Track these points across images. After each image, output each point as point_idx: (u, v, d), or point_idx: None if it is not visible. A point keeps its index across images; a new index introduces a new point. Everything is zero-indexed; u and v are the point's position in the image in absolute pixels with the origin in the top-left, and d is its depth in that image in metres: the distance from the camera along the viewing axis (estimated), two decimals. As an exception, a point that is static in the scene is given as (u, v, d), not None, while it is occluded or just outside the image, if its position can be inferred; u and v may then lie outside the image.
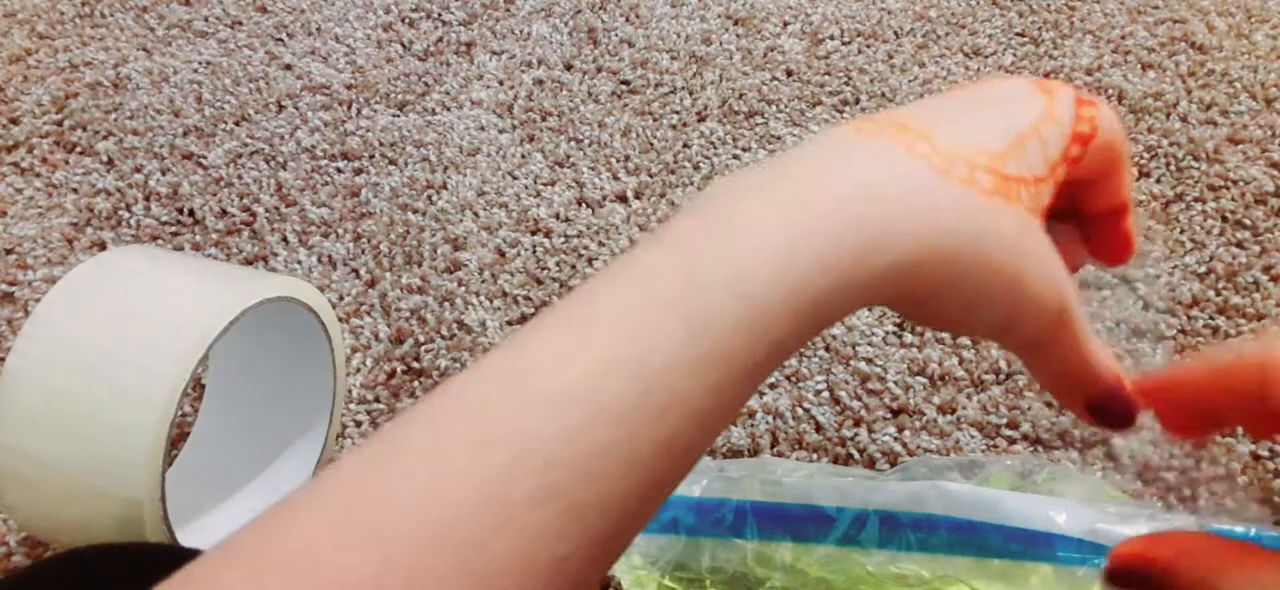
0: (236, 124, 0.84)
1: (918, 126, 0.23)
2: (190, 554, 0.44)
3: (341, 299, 0.71)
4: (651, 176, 0.79)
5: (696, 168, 0.79)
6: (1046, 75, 0.85)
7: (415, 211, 0.77)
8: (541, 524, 0.17)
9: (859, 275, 0.21)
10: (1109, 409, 0.27)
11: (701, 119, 0.83)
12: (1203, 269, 0.70)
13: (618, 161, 0.80)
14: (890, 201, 0.21)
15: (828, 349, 0.66)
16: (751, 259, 0.20)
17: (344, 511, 0.18)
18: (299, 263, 0.74)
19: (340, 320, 0.69)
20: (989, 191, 0.22)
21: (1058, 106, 0.25)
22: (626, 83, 0.87)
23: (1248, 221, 0.73)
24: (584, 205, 0.77)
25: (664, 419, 0.19)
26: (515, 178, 0.79)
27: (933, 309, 0.23)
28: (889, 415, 0.63)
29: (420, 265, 0.73)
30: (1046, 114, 0.25)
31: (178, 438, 0.62)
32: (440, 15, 0.95)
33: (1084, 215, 0.29)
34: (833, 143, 0.23)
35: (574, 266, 0.72)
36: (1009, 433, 0.62)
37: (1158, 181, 0.76)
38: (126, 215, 0.77)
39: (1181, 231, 0.73)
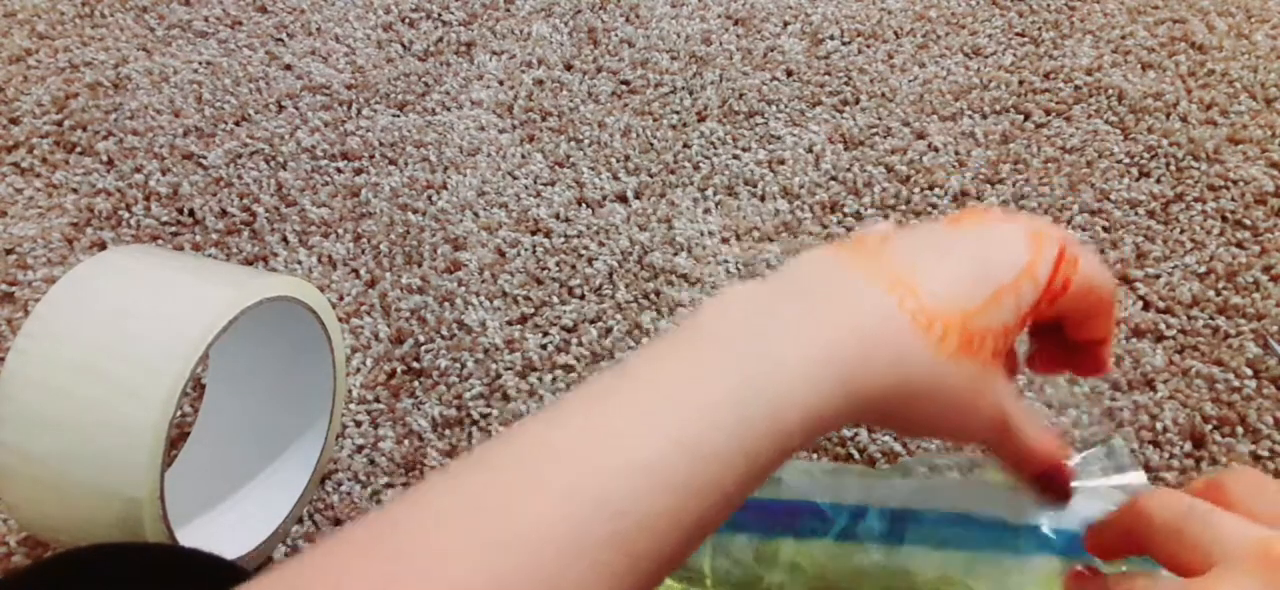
0: (236, 124, 0.84)
1: (907, 276, 0.27)
2: (190, 553, 0.44)
3: (341, 299, 0.71)
4: (651, 176, 0.79)
5: (696, 168, 0.79)
6: (1047, 75, 0.85)
7: (415, 211, 0.77)
8: (608, 562, 0.22)
9: (847, 405, 0.25)
10: (1048, 486, 0.33)
11: (701, 119, 0.83)
12: (1203, 269, 0.70)
13: (618, 161, 0.80)
14: (880, 353, 0.26)
15: (828, 349, 0.66)
16: (784, 392, 0.25)
17: (450, 533, 0.21)
18: (299, 263, 0.74)
19: (340, 320, 0.69)
20: (954, 352, 0.27)
21: (1040, 265, 0.28)
22: (626, 83, 0.87)
23: (1248, 221, 0.73)
24: (584, 205, 0.77)
25: (704, 495, 0.23)
26: (515, 178, 0.79)
27: (896, 425, 0.28)
28: (889, 415, 0.63)
29: (420, 265, 0.73)
30: (1027, 270, 0.28)
31: (177, 437, 0.62)
32: (440, 15, 0.95)
33: (1067, 337, 0.33)
34: (841, 281, 0.27)
35: (574, 266, 0.72)
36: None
37: (1158, 181, 0.76)
38: (126, 215, 0.77)
39: (1181, 231, 0.73)
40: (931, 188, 0.77)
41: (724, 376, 0.24)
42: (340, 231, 0.76)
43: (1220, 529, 0.26)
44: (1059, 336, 0.33)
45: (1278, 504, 0.28)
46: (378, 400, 0.66)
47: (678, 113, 0.84)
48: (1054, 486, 0.33)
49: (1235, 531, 0.26)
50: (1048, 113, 0.82)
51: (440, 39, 0.92)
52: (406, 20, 0.94)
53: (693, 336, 0.26)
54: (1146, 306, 0.68)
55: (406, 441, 0.63)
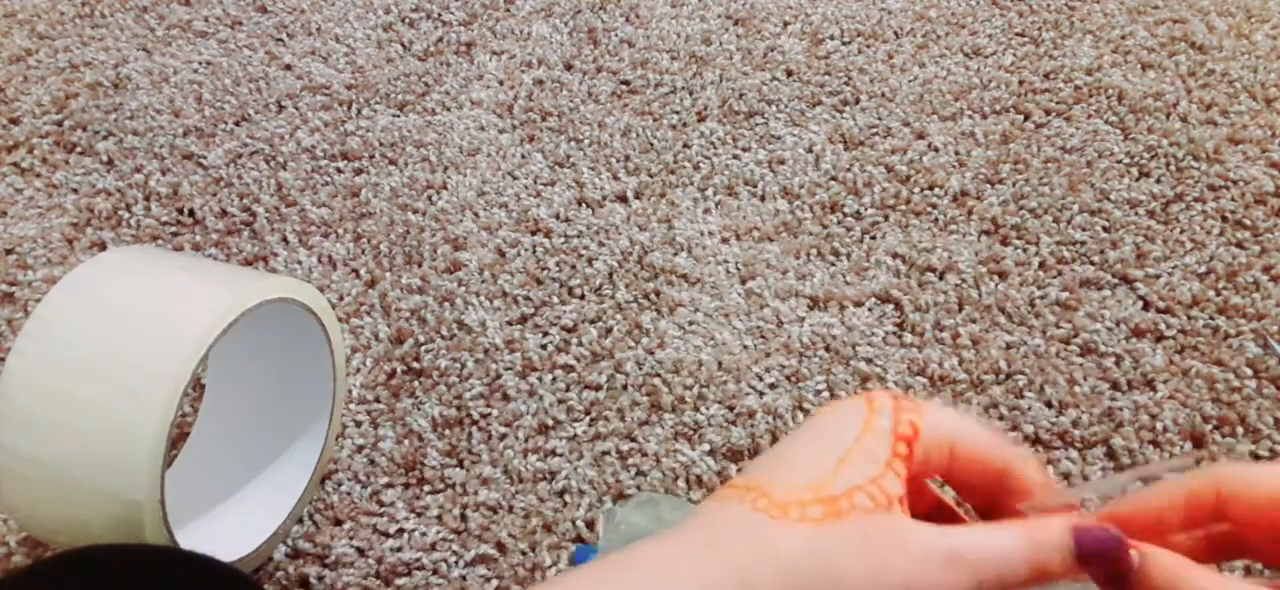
0: (236, 124, 0.84)
1: (759, 483, 0.29)
2: (188, 555, 0.44)
3: (341, 299, 0.71)
4: (651, 176, 0.79)
5: (696, 168, 0.79)
6: (1047, 75, 0.85)
7: (415, 211, 0.77)
8: None
9: None
10: (1098, 559, 0.30)
11: (701, 119, 0.83)
12: (1203, 269, 0.70)
13: (618, 161, 0.80)
14: (741, 552, 0.27)
15: (827, 349, 0.66)
16: None
17: None
18: (299, 263, 0.74)
19: (340, 320, 0.69)
20: (819, 519, 0.28)
21: (876, 418, 0.30)
22: (626, 83, 0.87)
23: (1248, 221, 0.73)
24: (584, 205, 0.77)
25: None
26: (515, 178, 0.79)
27: None
28: (889, 415, 0.63)
29: (420, 265, 0.73)
30: (865, 427, 0.30)
31: (177, 437, 0.62)
32: (440, 15, 0.95)
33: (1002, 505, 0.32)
34: (708, 512, 0.29)
35: (574, 266, 0.72)
36: (1011, 435, 0.62)
37: (1158, 181, 0.76)
38: (126, 215, 0.77)
39: (1181, 231, 0.73)
40: (931, 188, 0.77)
41: None
42: (340, 231, 0.76)
43: None
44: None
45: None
46: (378, 400, 0.66)
47: (678, 113, 0.84)
48: (1104, 556, 0.30)
49: None
50: (1048, 113, 0.82)
51: (440, 39, 0.92)
52: (406, 20, 0.94)
53: (588, 573, 0.28)
54: (1146, 306, 0.68)
55: (406, 441, 0.63)
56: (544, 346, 0.68)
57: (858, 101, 0.84)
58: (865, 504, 0.28)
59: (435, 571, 0.57)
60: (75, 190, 0.79)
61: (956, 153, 0.79)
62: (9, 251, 0.75)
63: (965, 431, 0.31)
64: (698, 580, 0.27)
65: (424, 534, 0.59)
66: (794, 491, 0.28)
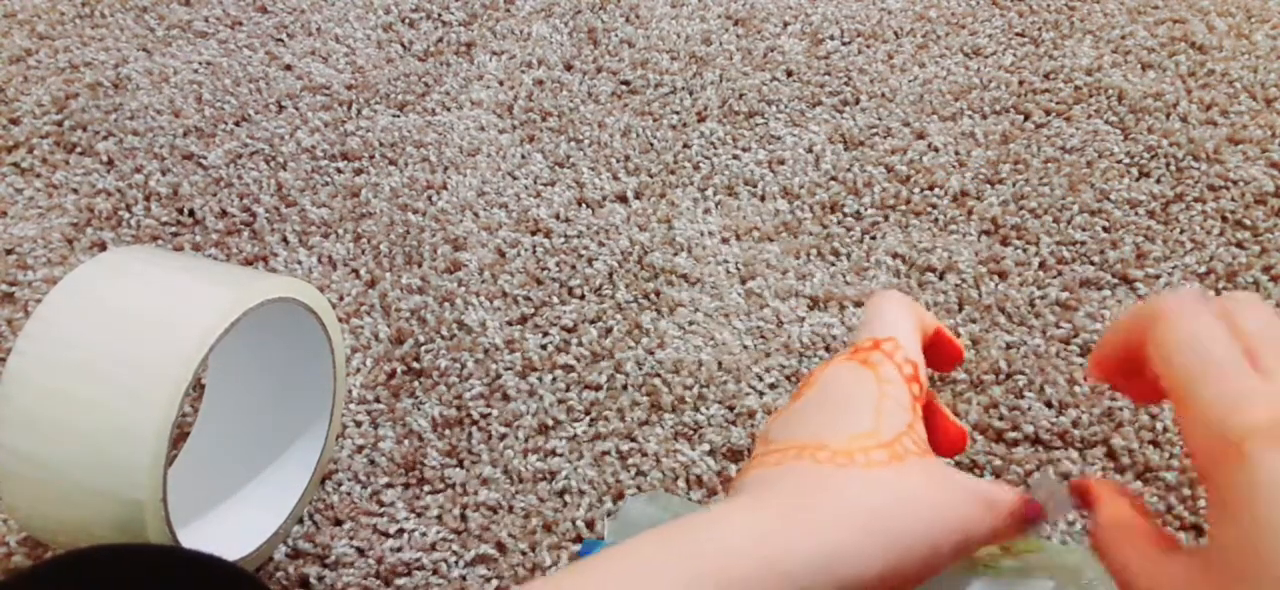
0: (236, 124, 0.84)
1: (810, 443, 0.29)
2: (191, 555, 0.44)
3: (341, 299, 0.71)
4: (651, 176, 0.79)
5: (696, 168, 0.79)
6: (1047, 75, 0.85)
7: (415, 211, 0.77)
8: None
9: (829, 565, 0.27)
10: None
11: (701, 119, 0.83)
12: (1203, 269, 0.70)
13: (618, 161, 0.80)
14: (822, 505, 0.27)
15: (827, 349, 0.66)
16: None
17: None
18: (299, 263, 0.74)
19: (340, 320, 0.69)
20: (885, 463, 0.28)
21: (880, 369, 0.31)
22: (626, 83, 0.87)
23: (1248, 221, 0.73)
24: (584, 205, 0.77)
25: None
26: (515, 178, 0.79)
27: (914, 564, 0.28)
28: (889, 415, 0.63)
29: (420, 265, 0.73)
30: (879, 379, 0.30)
31: (177, 437, 0.62)
32: (440, 15, 0.95)
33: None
34: (761, 481, 0.29)
35: (574, 266, 0.72)
36: (1011, 435, 0.62)
37: (1158, 181, 0.76)
38: (126, 215, 0.77)
39: (1181, 231, 0.73)
40: (931, 188, 0.77)
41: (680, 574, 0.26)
42: (340, 231, 0.76)
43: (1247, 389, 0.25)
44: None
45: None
46: (378, 400, 0.66)
47: (678, 113, 0.84)
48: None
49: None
50: (1048, 113, 0.82)
51: (440, 39, 0.92)
52: (406, 20, 0.94)
53: (649, 544, 0.28)
54: (1146, 307, 0.68)
55: (406, 441, 0.63)
56: (544, 346, 0.68)
57: (858, 101, 0.84)
58: (912, 448, 0.29)
59: (435, 571, 0.57)
60: (75, 190, 0.79)
61: (956, 153, 0.79)
62: (9, 251, 0.75)
63: (918, 332, 0.33)
64: (774, 532, 0.27)
65: (424, 534, 0.59)
66: (852, 439, 0.29)
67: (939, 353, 0.35)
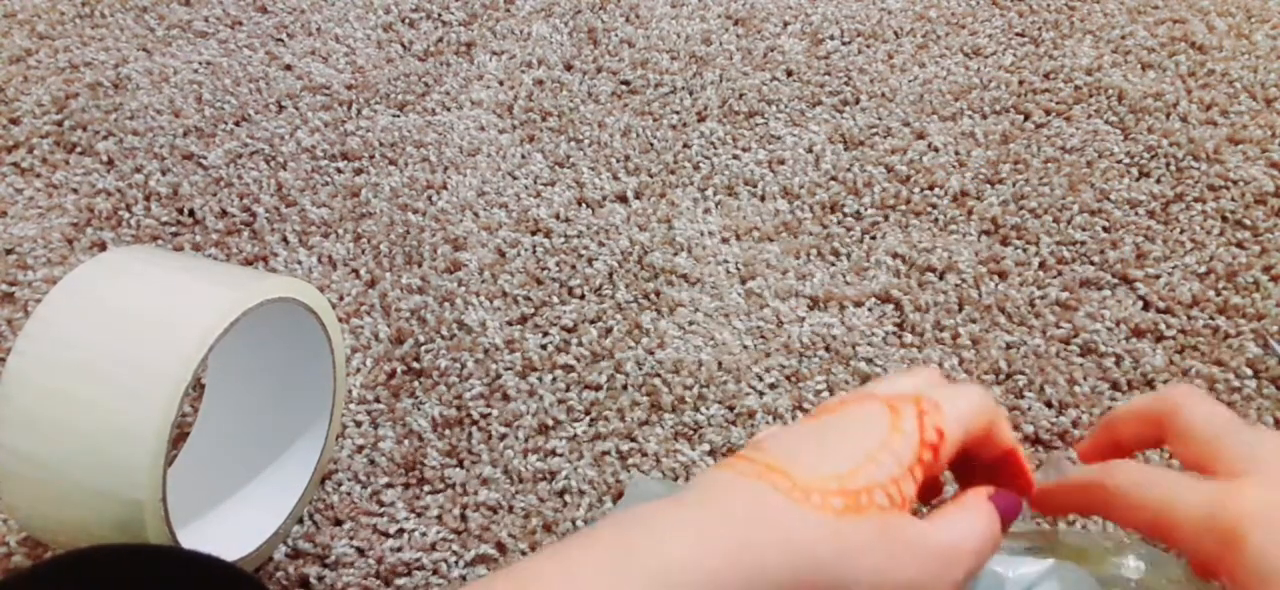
0: (236, 124, 0.84)
1: (780, 463, 0.29)
2: (190, 555, 0.44)
3: (341, 299, 0.71)
4: (651, 176, 0.79)
5: (696, 168, 0.79)
6: (1047, 75, 0.85)
7: (415, 211, 0.77)
8: None
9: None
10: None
11: (701, 119, 0.83)
12: (1203, 269, 0.70)
13: (618, 161, 0.80)
14: (763, 534, 0.27)
15: (827, 349, 0.66)
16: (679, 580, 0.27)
17: None
18: (299, 263, 0.74)
19: (340, 320, 0.69)
20: (841, 510, 0.28)
21: (902, 421, 0.31)
22: (626, 83, 0.87)
23: (1248, 221, 0.73)
24: (584, 205, 0.77)
25: None
26: (515, 178, 0.79)
27: None
28: (889, 415, 0.63)
29: (420, 265, 0.73)
30: (891, 428, 0.30)
31: (177, 437, 0.62)
32: (440, 15, 0.95)
33: (981, 465, 0.34)
34: (719, 483, 0.29)
35: (574, 266, 0.72)
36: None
37: (1158, 181, 0.76)
38: (126, 215, 0.77)
39: (1181, 231, 0.73)
40: (931, 188, 0.77)
41: (628, 580, 0.27)
42: (340, 231, 0.76)
43: (1257, 440, 0.30)
44: (978, 468, 0.35)
45: (1227, 429, 0.31)
46: (378, 400, 0.66)
47: (678, 113, 0.84)
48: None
49: (1271, 443, 0.30)
50: (1048, 113, 0.82)
51: (440, 39, 0.92)
52: (406, 20, 0.94)
53: (600, 535, 0.28)
54: (1146, 306, 0.68)
55: (406, 441, 0.63)
56: (544, 346, 0.68)
57: (858, 101, 0.84)
58: (882, 501, 0.29)
59: (435, 571, 0.57)
60: (75, 190, 0.79)
61: (956, 153, 0.79)
62: (9, 251, 0.75)
63: (973, 424, 0.32)
64: (712, 552, 0.27)
65: (424, 534, 0.59)
66: (815, 476, 0.29)
67: (1005, 472, 0.35)
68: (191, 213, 0.78)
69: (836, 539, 0.28)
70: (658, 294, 0.70)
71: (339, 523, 0.60)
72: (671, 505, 0.29)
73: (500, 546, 0.58)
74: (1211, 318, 0.67)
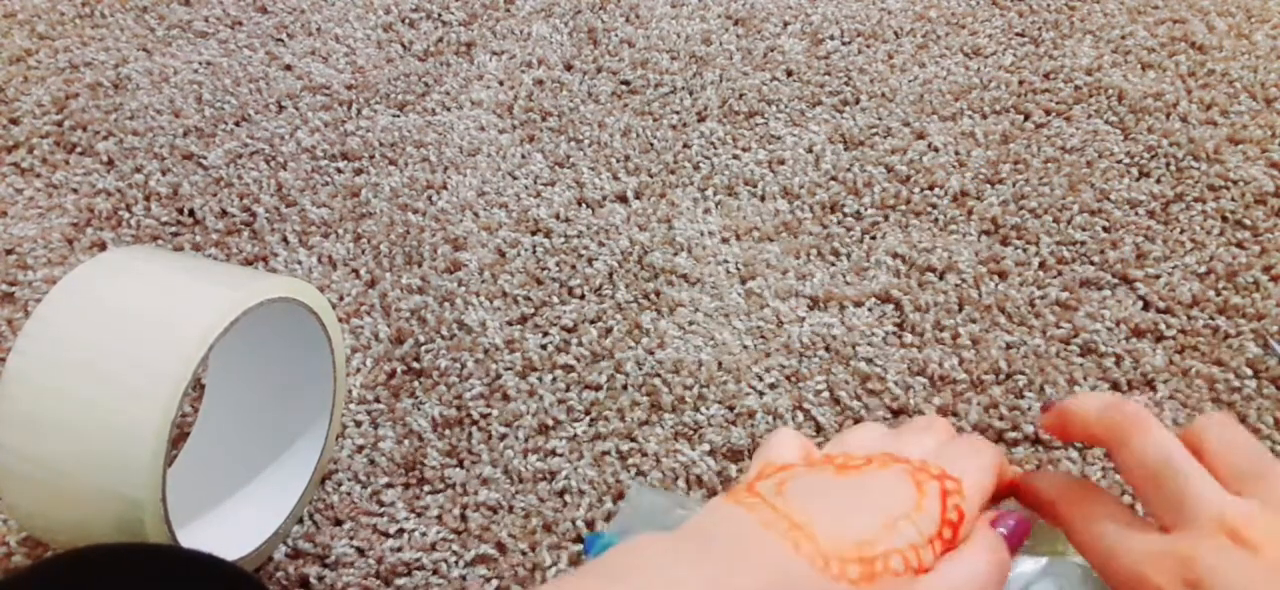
0: (236, 124, 0.84)
1: (804, 521, 0.29)
2: (190, 554, 0.44)
3: (341, 299, 0.71)
4: (651, 176, 0.79)
5: (696, 168, 0.79)
6: (1047, 75, 0.85)
7: (415, 211, 0.77)
8: None
9: None
10: None
11: (701, 119, 0.83)
12: (1203, 269, 0.70)
13: (618, 161, 0.80)
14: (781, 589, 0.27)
15: (827, 349, 0.66)
16: None
17: None
18: (299, 263, 0.74)
19: (340, 320, 0.69)
20: (856, 580, 0.28)
21: (926, 499, 0.31)
22: (626, 83, 0.87)
23: (1248, 221, 0.73)
24: (584, 205, 0.77)
25: None
26: (515, 178, 0.79)
27: None
28: (889, 416, 0.63)
29: (420, 265, 0.73)
30: (916, 505, 0.30)
31: (177, 437, 0.62)
32: (440, 15, 0.95)
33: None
34: (741, 530, 0.29)
35: (574, 266, 0.72)
36: (1011, 435, 0.62)
37: (1158, 181, 0.76)
38: (126, 215, 0.77)
39: (1181, 231, 0.73)
40: (931, 188, 0.77)
41: None
42: (340, 231, 0.76)
43: (1189, 491, 0.30)
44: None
45: (1247, 457, 0.31)
46: (378, 400, 0.66)
47: (678, 113, 0.84)
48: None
49: (1202, 496, 0.30)
50: (1048, 113, 0.82)
51: (440, 39, 0.92)
52: (406, 20, 0.94)
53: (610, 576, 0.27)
54: (1146, 306, 0.68)
55: (406, 441, 0.63)
56: (544, 346, 0.68)
57: (858, 101, 0.84)
58: (898, 567, 0.29)
59: (435, 571, 0.57)
60: (75, 190, 0.79)
61: (956, 153, 0.79)
62: (9, 251, 0.75)
63: (990, 493, 0.33)
64: None
65: (424, 534, 0.59)
66: (835, 543, 0.28)
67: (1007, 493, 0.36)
68: (191, 213, 0.78)
69: None
70: (658, 294, 0.70)
71: (339, 523, 0.60)
72: (688, 548, 0.28)
73: (500, 546, 0.58)
74: (1211, 318, 0.67)
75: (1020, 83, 0.85)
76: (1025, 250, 0.72)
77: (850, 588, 0.28)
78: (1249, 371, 0.64)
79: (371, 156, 0.81)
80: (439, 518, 0.60)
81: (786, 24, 0.92)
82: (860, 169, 0.78)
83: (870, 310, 0.69)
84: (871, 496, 0.30)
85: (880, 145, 0.80)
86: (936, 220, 0.75)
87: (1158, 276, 0.70)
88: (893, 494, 0.31)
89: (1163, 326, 0.67)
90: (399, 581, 0.57)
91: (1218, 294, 0.68)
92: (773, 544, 0.28)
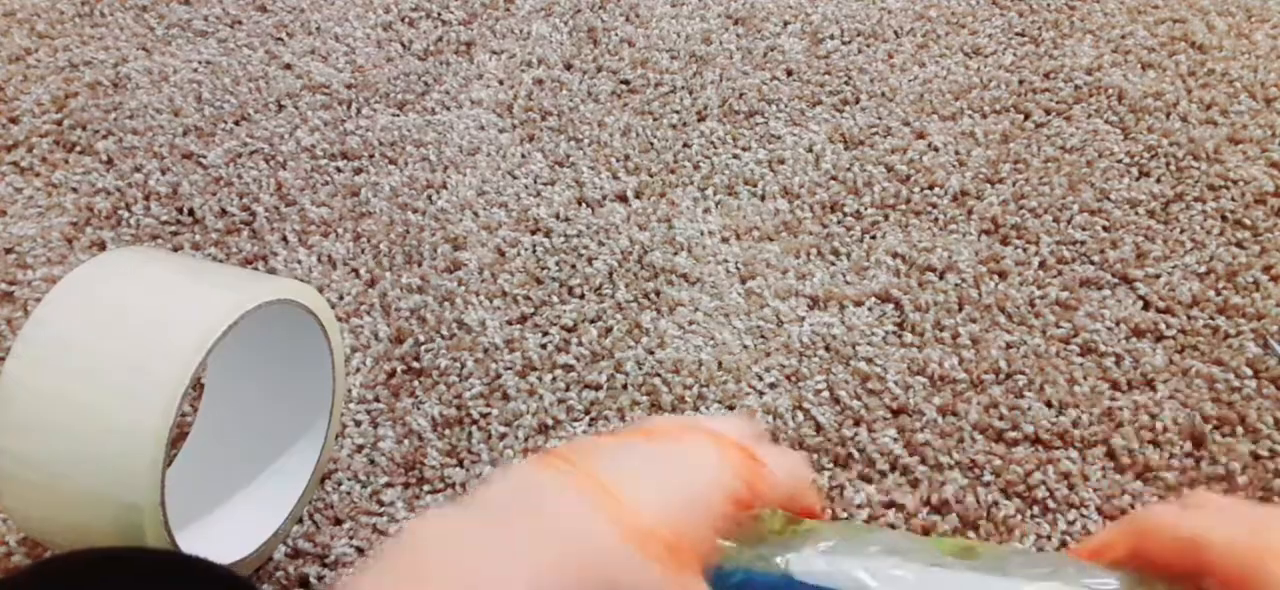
0: (236, 123, 0.84)
1: (618, 494, 0.28)
2: (187, 560, 0.44)
3: (341, 299, 0.71)
4: (651, 176, 0.79)
5: (696, 167, 0.79)
6: (1047, 75, 0.85)
7: (415, 211, 0.77)
8: None
9: None
10: None
11: (701, 119, 0.83)
12: (1203, 269, 0.70)
13: (618, 161, 0.80)
14: (587, 561, 0.26)
15: (828, 349, 0.66)
16: None
17: None
18: (299, 262, 0.74)
19: (340, 320, 0.69)
20: (658, 556, 0.27)
21: (725, 474, 0.30)
22: (626, 82, 0.87)
23: (1248, 221, 0.73)
24: (584, 205, 0.77)
25: None
26: (515, 178, 0.79)
27: None
28: (889, 415, 0.63)
29: (420, 265, 0.73)
30: (716, 481, 0.30)
31: (177, 438, 0.61)
32: (440, 15, 0.94)
33: None
34: (555, 489, 0.28)
35: (574, 266, 0.72)
36: (1011, 435, 0.62)
37: (1158, 181, 0.76)
38: (126, 215, 0.77)
39: (1181, 231, 0.73)
40: (931, 187, 0.77)
41: None
42: (340, 231, 0.76)
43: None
44: None
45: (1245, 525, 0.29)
46: (378, 400, 0.66)
47: (678, 113, 0.84)
48: None
49: None
50: (1048, 113, 0.82)
51: (440, 39, 0.92)
52: (406, 20, 0.94)
53: (408, 573, 0.26)
54: (1146, 306, 0.68)
55: (406, 441, 0.63)
56: (544, 346, 0.68)
57: (858, 101, 0.84)
58: (691, 557, 0.28)
59: (435, 572, 0.57)
60: (75, 190, 0.79)
61: (956, 152, 0.79)
62: (9, 251, 0.75)
63: (794, 490, 0.32)
64: (529, 575, 0.25)
65: (424, 534, 0.59)
66: (651, 521, 0.27)
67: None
68: (191, 212, 0.78)
69: (645, 582, 0.27)
70: (658, 294, 0.70)
71: (339, 523, 0.60)
72: (491, 522, 0.27)
73: (500, 546, 0.58)
74: (1211, 318, 0.67)
75: (1020, 82, 0.85)
76: (1025, 250, 0.72)
77: (653, 564, 0.27)
78: (1249, 371, 0.64)
79: (371, 156, 0.81)
80: (439, 518, 0.59)
81: (786, 23, 0.92)
82: (860, 168, 0.78)
83: (870, 310, 0.69)
84: (679, 469, 0.30)
85: (880, 145, 0.80)
86: (936, 220, 0.75)
87: (1158, 276, 0.70)
88: (700, 466, 0.30)
89: (1163, 326, 0.67)
90: (399, 582, 0.57)
91: (1218, 294, 0.68)
92: (581, 510, 0.27)
